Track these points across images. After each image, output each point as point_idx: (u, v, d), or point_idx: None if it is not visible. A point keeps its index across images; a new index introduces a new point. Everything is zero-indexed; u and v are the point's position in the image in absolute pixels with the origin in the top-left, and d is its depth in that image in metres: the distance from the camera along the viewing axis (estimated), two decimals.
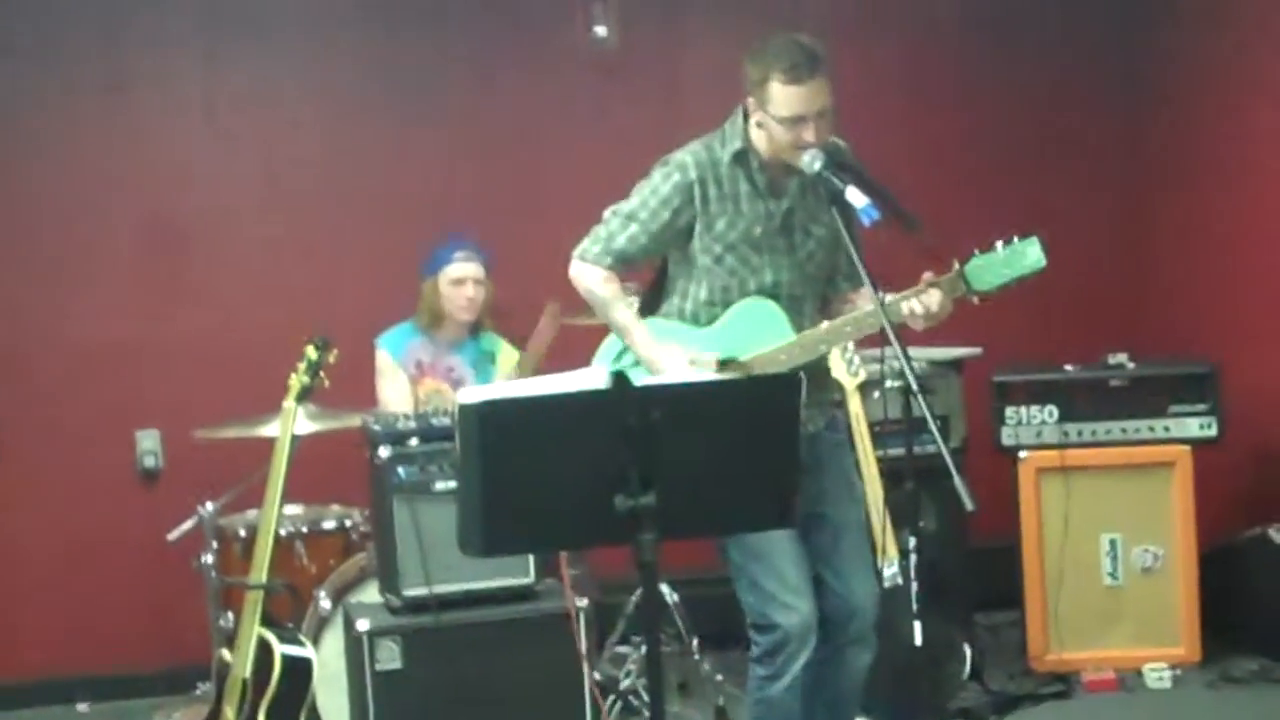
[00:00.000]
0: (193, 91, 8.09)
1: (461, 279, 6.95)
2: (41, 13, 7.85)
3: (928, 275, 5.02)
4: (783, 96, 5.07)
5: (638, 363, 5.29)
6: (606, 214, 5.35)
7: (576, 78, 8.34)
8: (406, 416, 5.98)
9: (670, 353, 5.20)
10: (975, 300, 5.04)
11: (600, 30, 8.27)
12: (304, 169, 8.13)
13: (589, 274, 5.34)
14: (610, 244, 5.31)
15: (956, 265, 5.03)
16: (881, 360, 5.29)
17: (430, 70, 8.22)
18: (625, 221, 5.30)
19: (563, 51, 8.32)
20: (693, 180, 5.23)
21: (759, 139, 5.20)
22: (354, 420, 6.33)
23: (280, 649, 5.86)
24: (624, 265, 5.34)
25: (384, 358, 7.02)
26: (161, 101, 8.05)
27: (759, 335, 5.22)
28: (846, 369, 6.45)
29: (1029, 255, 4.99)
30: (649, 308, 5.45)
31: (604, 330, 5.48)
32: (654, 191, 5.27)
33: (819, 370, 5.36)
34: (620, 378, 4.03)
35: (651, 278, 5.50)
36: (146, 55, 8.01)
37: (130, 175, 8.00)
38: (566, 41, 8.31)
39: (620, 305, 5.34)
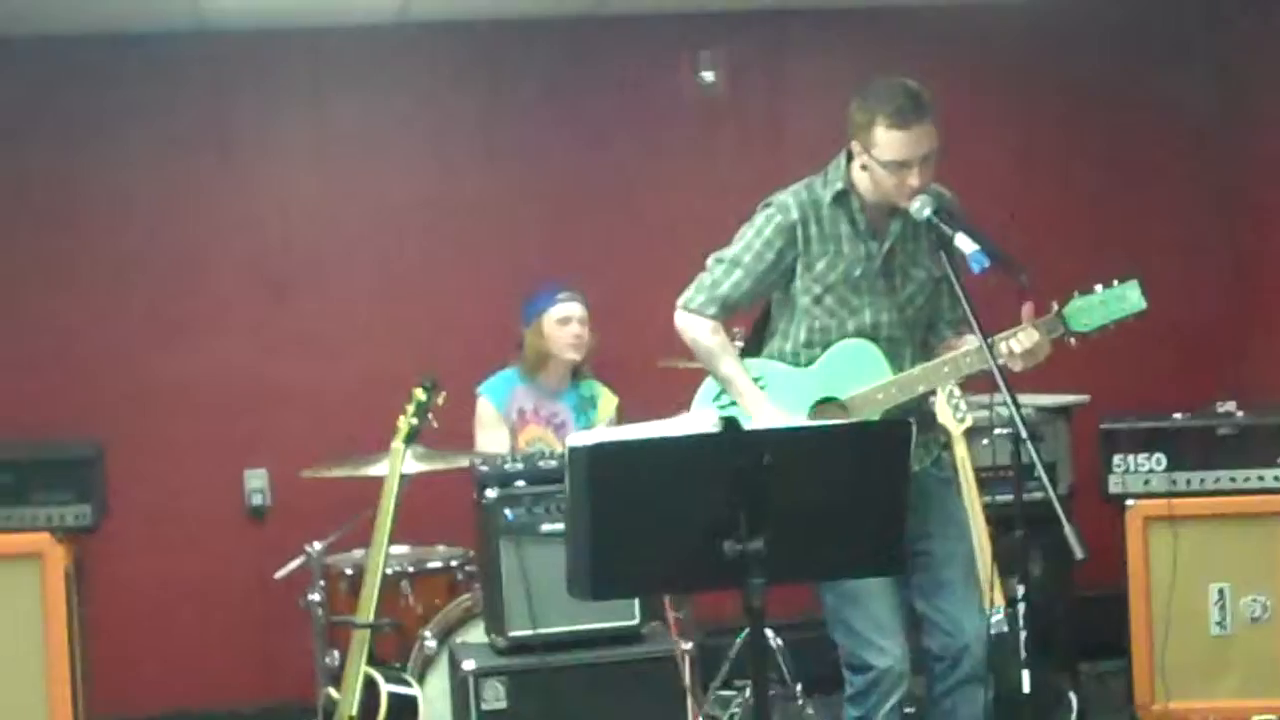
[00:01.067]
0: (300, 140, 8.19)
1: (567, 318, 6.97)
2: (149, 67, 7.96)
3: (1027, 313, 5.02)
4: (888, 141, 5.09)
5: (733, 402, 5.32)
6: (710, 261, 5.39)
7: (683, 124, 8.37)
8: (514, 458, 6.00)
9: (773, 415, 5.22)
10: (1072, 342, 5.06)
11: (707, 76, 8.30)
12: (411, 215, 8.20)
13: (695, 325, 5.38)
14: (714, 291, 5.35)
15: (1055, 307, 5.04)
16: (990, 406, 5.26)
17: (536, 117, 8.27)
18: (730, 267, 5.33)
19: (669, 98, 8.35)
20: (795, 221, 5.26)
21: (862, 181, 5.21)
22: (461, 461, 6.36)
23: (386, 688, 5.89)
24: (729, 312, 5.38)
25: (486, 406, 7.03)
26: (269, 151, 8.15)
27: (857, 375, 5.25)
28: (953, 414, 6.40)
29: (1129, 298, 4.99)
30: (753, 348, 5.47)
31: (702, 374, 5.50)
32: (757, 234, 5.31)
33: (924, 410, 5.37)
34: (731, 422, 4.04)
35: (755, 318, 5.51)
36: (254, 105, 8.13)
37: (239, 221, 8.11)
38: (673, 88, 8.34)
39: (726, 358, 5.37)
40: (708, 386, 5.48)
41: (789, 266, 5.29)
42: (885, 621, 5.26)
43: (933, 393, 5.54)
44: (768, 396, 5.29)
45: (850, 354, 5.26)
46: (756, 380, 5.33)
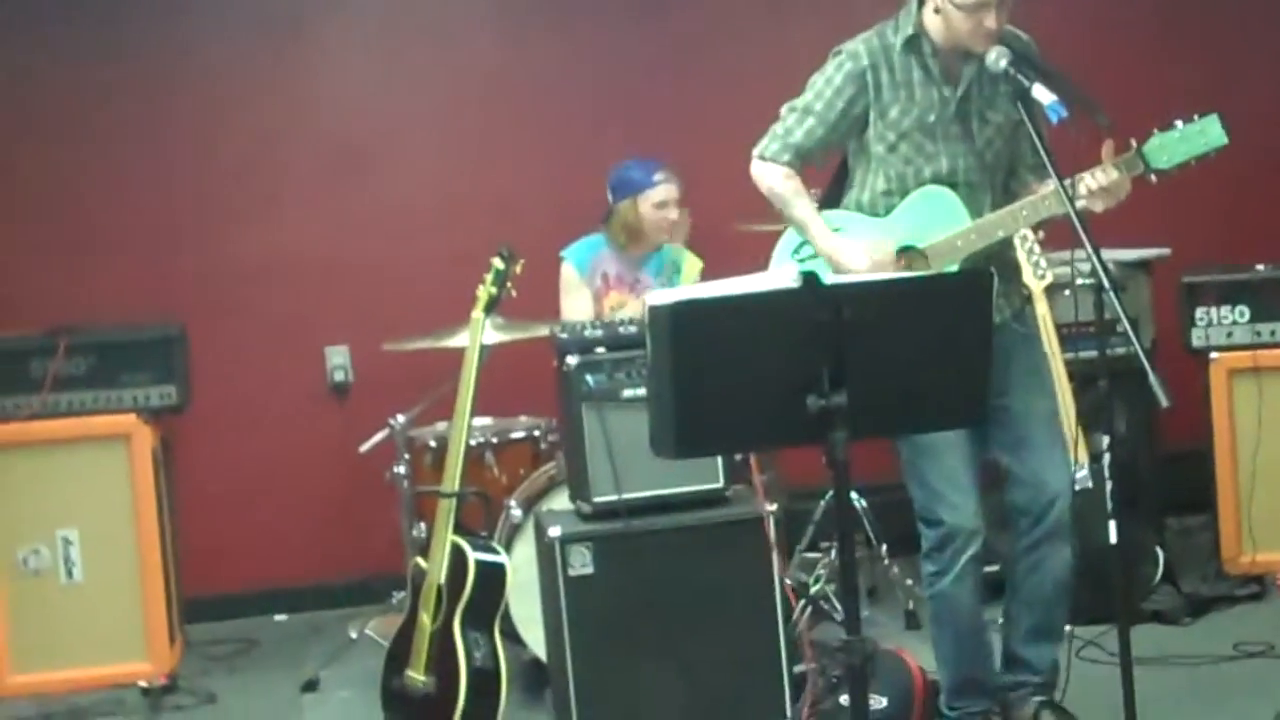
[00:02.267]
0: (371, 16, 8.18)
1: (665, 201, 6.94)
2: None
3: (1107, 151, 4.98)
4: None
5: (815, 255, 5.30)
6: (783, 110, 5.37)
7: None
8: (593, 325, 6.00)
9: (849, 246, 5.22)
10: (1152, 179, 5.01)
11: None
12: (484, 86, 8.19)
13: (769, 172, 5.36)
14: (788, 139, 5.33)
15: (1134, 144, 5.00)
16: (1070, 262, 5.22)
17: None
18: (802, 115, 5.31)
19: None
20: (865, 67, 5.22)
21: (934, 25, 5.17)
22: (541, 330, 6.38)
23: (474, 556, 5.92)
24: (803, 160, 5.35)
25: (569, 271, 7.03)
26: (339, 28, 8.16)
27: (936, 222, 5.22)
28: (1033, 271, 6.38)
29: (1209, 132, 4.96)
30: (830, 203, 5.44)
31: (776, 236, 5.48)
32: (828, 82, 5.28)
33: (1005, 260, 5.34)
34: (811, 277, 4.02)
35: (832, 173, 5.48)
36: None
37: (313, 100, 8.14)
38: None
39: (800, 201, 5.34)
40: (787, 239, 5.47)
41: (861, 114, 5.26)
42: (959, 476, 5.28)
43: (1012, 247, 5.49)
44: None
45: (929, 201, 5.23)
46: (835, 231, 5.31)
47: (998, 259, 5.24)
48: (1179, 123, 4.98)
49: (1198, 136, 4.95)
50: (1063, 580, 5.42)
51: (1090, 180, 4.97)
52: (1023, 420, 5.32)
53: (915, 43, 5.21)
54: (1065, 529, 5.37)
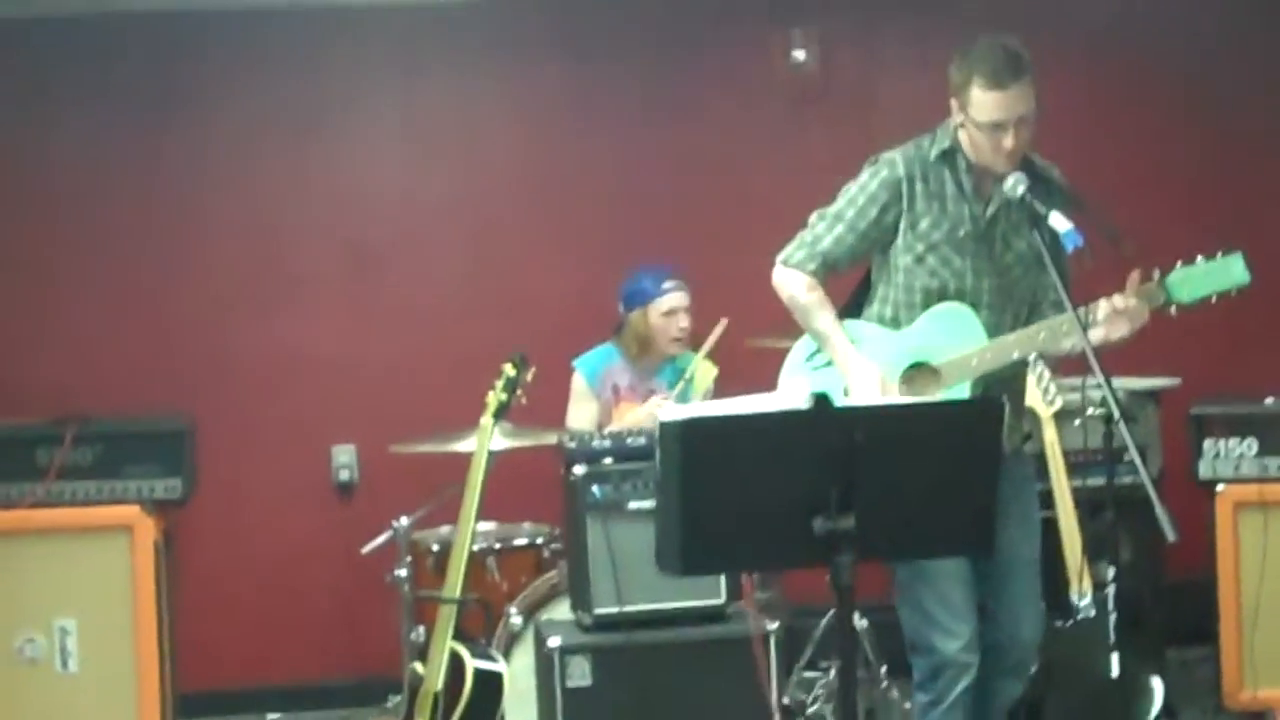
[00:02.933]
0: (390, 115, 8.23)
1: (674, 309, 6.94)
2: (243, 41, 8.03)
3: (1133, 281, 4.98)
4: (983, 101, 5.05)
5: (828, 363, 5.30)
6: (812, 218, 5.36)
7: (775, 103, 8.36)
8: (602, 435, 6.01)
9: (864, 370, 5.20)
10: (1173, 311, 5.00)
11: (799, 55, 8.28)
12: (502, 191, 8.23)
13: (792, 280, 5.34)
14: (815, 247, 5.32)
15: (1157, 274, 5.00)
16: (1081, 389, 5.23)
17: (628, 95, 8.28)
18: (833, 222, 5.30)
19: (761, 77, 8.34)
20: (900, 176, 5.22)
21: (965, 142, 5.19)
22: (549, 438, 6.37)
23: (472, 663, 5.90)
24: (829, 270, 5.33)
25: (579, 381, 7.04)
26: (360, 124, 8.20)
27: (953, 339, 5.20)
28: (1042, 396, 6.37)
29: (1232, 270, 4.96)
30: (850, 313, 5.42)
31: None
32: (862, 189, 5.27)
33: (1013, 389, 5.33)
34: (822, 399, 4.02)
35: (855, 287, 5.48)
36: (345, 81, 8.18)
37: (329, 195, 8.17)
38: (765, 67, 8.33)
39: (823, 314, 5.31)
40: (799, 349, 5.45)
41: (892, 224, 5.24)
42: (957, 603, 5.22)
43: (1022, 376, 5.47)
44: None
45: (947, 317, 5.21)
46: (853, 343, 5.29)
47: (1009, 391, 5.24)
48: (1201, 258, 4.98)
49: (1220, 273, 4.95)
50: (1004, 709, 5.42)
51: (1107, 304, 4.96)
52: (1006, 564, 5.24)
53: (951, 156, 5.22)
54: (1023, 671, 5.38)
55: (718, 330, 6.81)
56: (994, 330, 5.20)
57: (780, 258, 5.37)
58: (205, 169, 8.07)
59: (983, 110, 5.05)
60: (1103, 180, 5.43)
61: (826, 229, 5.31)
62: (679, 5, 8.24)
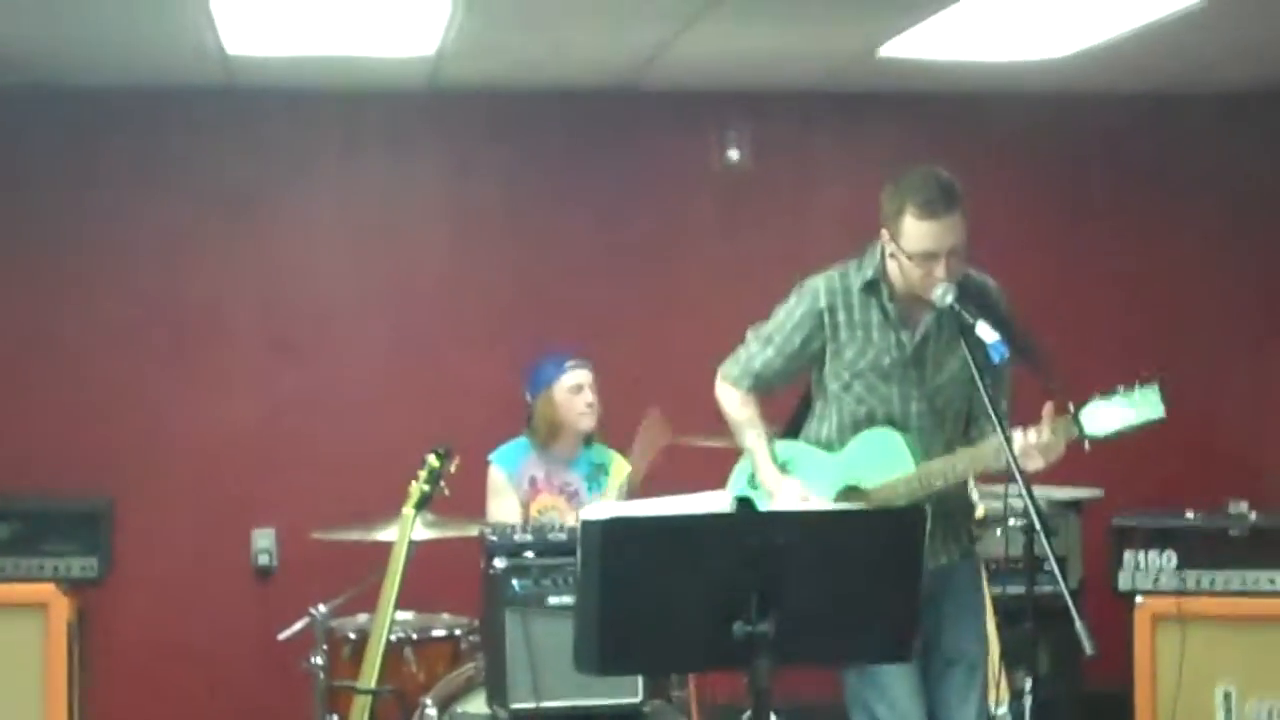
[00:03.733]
0: (324, 200, 8.23)
1: (579, 385, 6.94)
2: (178, 123, 8.02)
3: (1047, 413, 5.00)
4: (915, 231, 5.07)
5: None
6: (749, 335, 5.43)
7: (707, 201, 8.40)
8: (523, 529, 5.98)
9: (788, 488, 5.24)
10: (1086, 446, 5.01)
11: (733, 155, 8.33)
12: (429, 281, 8.24)
13: (728, 396, 5.44)
14: (749, 365, 5.40)
15: (1071, 408, 5.00)
16: (1004, 497, 5.24)
17: (561, 188, 8.31)
18: (763, 345, 5.38)
19: (695, 175, 8.38)
20: (822, 308, 5.26)
21: (893, 270, 5.20)
22: (471, 529, 6.35)
23: None
24: (764, 387, 5.41)
25: (497, 474, 7.01)
26: (292, 211, 8.20)
27: (880, 464, 5.23)
28: None
29: (1148, 404, 4.94)
30: (794, 428, 5.47)
31: (715, 453, 5.49)
32: (788, 314, 5.34)
33: (954, 505, 5.34)
34: (745, 503, 4.03)
35: (800, 399, 5.51)
36: (281, 165, 8.18)
37: (257, 280, 8.16)
38: (698, 165, 8.37)
39: (751, 432, 5.39)
40: (744, 463, 5.50)
41: (818, 351, 5.30)
42: (903, 708, 5.22)
43: (963, 484, 5.45)
44: (795, 477, 5.30)
45: (875, 442, 5.25)
46: (785, 463, 5.34)
47: (952, 501, 5.28)
48: (1120, 387, 4.98)
49: (1134, 407, 4.95)
50: None
51: (1022, 439, 4.97)
52: (947, 662, 5.30)
53: (875, 286, 5.25)
54: None
55: (646, 425, 6.79)
56: (927, 450, 5.22)
57: (719, 371, 5.46)
58: (133, 246, 8.04)
59: (914, 240, 5.08)
60: (1028, 294, 5.45)
61: (759, 349, 5.39)
62: (617, 100, 8.27)
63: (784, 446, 5.38)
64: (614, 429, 7.07)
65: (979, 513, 6.39)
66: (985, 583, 6.09)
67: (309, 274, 8.19)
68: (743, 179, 8.38)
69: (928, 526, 4.24)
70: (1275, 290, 8.59)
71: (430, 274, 8.22)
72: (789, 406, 5.57)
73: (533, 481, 7.01)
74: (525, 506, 6.95)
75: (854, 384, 5.27)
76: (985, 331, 4.97)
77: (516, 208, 8.29)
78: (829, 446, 5.33)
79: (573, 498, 6.95)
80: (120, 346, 8.00)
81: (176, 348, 8.04)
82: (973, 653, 5.38)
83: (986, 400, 4.98)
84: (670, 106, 8.33)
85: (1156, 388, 4.92)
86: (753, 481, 5.41)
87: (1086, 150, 8.57)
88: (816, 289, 5.29)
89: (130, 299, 8.02)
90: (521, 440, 7.06)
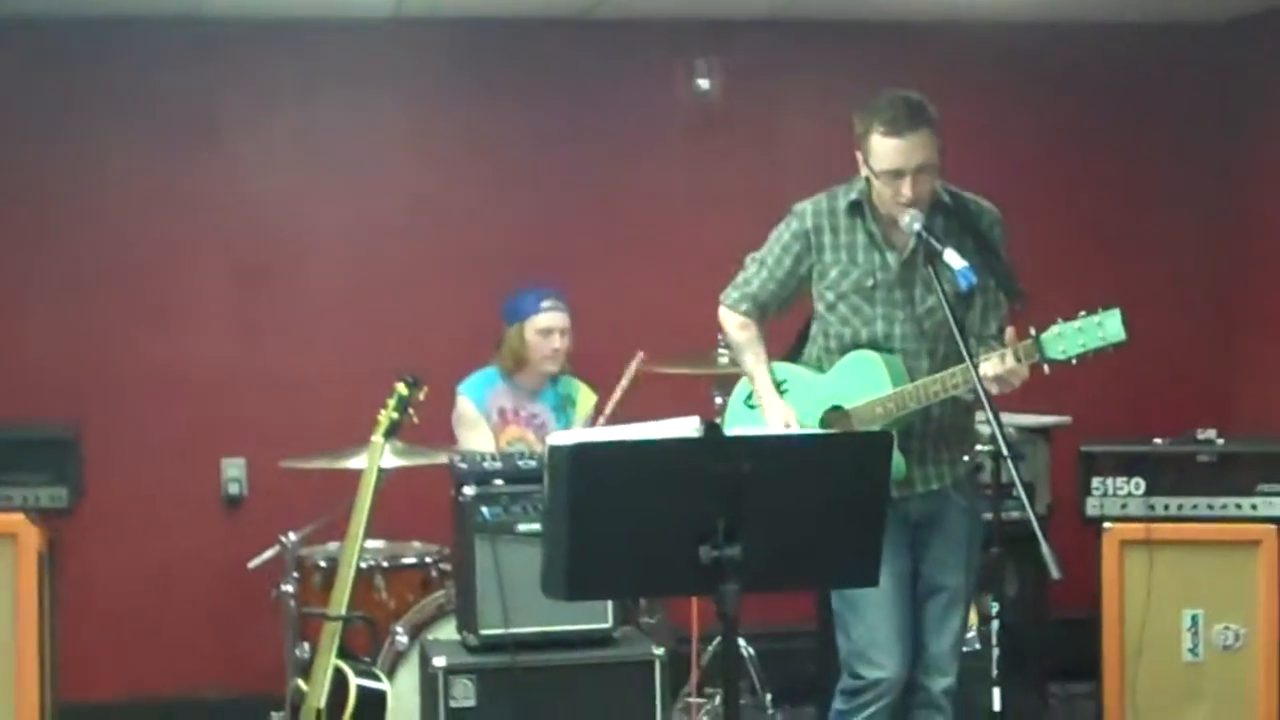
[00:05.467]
0: (287, 131, 8.17)
1: (549, 329, 6.94)
2: (137, 57, 7.95)
3: (1009, 338, 5.03)
4: (881, 149, 5.14)
5: None
6: (746, 260, 5.54)
7: (677, 130, 8.37)
8: (493, 457, 6.00)
9: (779, 409, 5.37)
10: (1046, 369, 5.04)
11: (702, 83, 8.30)
12: (396, 210, 8.19)
13: (728, 319, 5.57)
14: (746, 289, 5.51)
15: (1033, 332, 5.04)
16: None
17: (526, 117, 8.26)
18: (759, 267, 5.48)
19: (663, 104, 8.35)
20: (808, 228, 5.35)
21: (874, 192, 5.25)
22: (440, 458, 6.36)
23: (356, 681, 5.88)
24: (762, 310, 5.51)
25: (466, 405, 7.02)
26: (256, 141, 8.13)
27: (861, 386, 5.29)
28: None
29: (1108, 328, 4.99)
30: (794, 351, 5.58)
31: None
32: (778, 238, 5.44)
33: (956, 427, 5.38)
34: (712, 427, 4.04)
35: (802, 325, 5.59)
36: (241, 96, 8.11)
37: (224, 210, 8.08)
38: (667, 94, 8.33)
39: (749, 354, 5.52)
40: (742, 386, 5.63)
41: (807, 273, 5.41)
42: (881, 634, 5.29)
43: (970, 408, 5.47)
44: (787, 398, 5.40)
45: (857, 365, 5.32)
46: (781, 383, 5.45)
47: (950, 425, 5.33)
48: (1082, 312, 5.01)
49: (1096, 330, 4.98)
50: None
51: (985, 366, 5.01)
52: (927, 589, 5.36)
53: (859, 207, 5.31)
54: (943, 702, 5.40)
55: (634, 366, 6.80)
56: (912, 371, 5.27)
57: (721, 297, 5.58)
58: (97, 176, 7.97)
59: (881, 158, 5.14)
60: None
61: (755, 273, 5.49)
62: (582, 30, 8.23)
63: (780, 369, 5.49)
64: (581, 359, 7.09)
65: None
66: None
67: (275, 203, 8.13)
68: (712, 108, 8.34)
69: (893, 450, 4.26)
70: (1243, 215, 8.59)
71: (396, 203, 8.18)
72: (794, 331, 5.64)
73: (501, 413, 7.02)
74: (495, 437, 6.96)
75: (839, 305, 5.34)
76: (953, 258, 5.00)
77: (481, 137, 8.25)
78: (820, 367, 5.42)
79: (540, 429, 6.96)
80: (87, 276, 7.95)
81: (144, 277, 7.99)
82: (952, 586, 5.41)
83: (954, 325, 5.01)
84: (638, 35, 8.28)
85: (1118, 313, 4.96)
86: (749, 401, 5.54)
87: (1052, 77, 8.55)
88: (804, 211, 5.39)
89: (95, 229, 7.96)
90: (489, 370, 7.06)
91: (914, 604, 5.36)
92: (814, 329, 5.48)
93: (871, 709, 5.30)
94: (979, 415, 5.03)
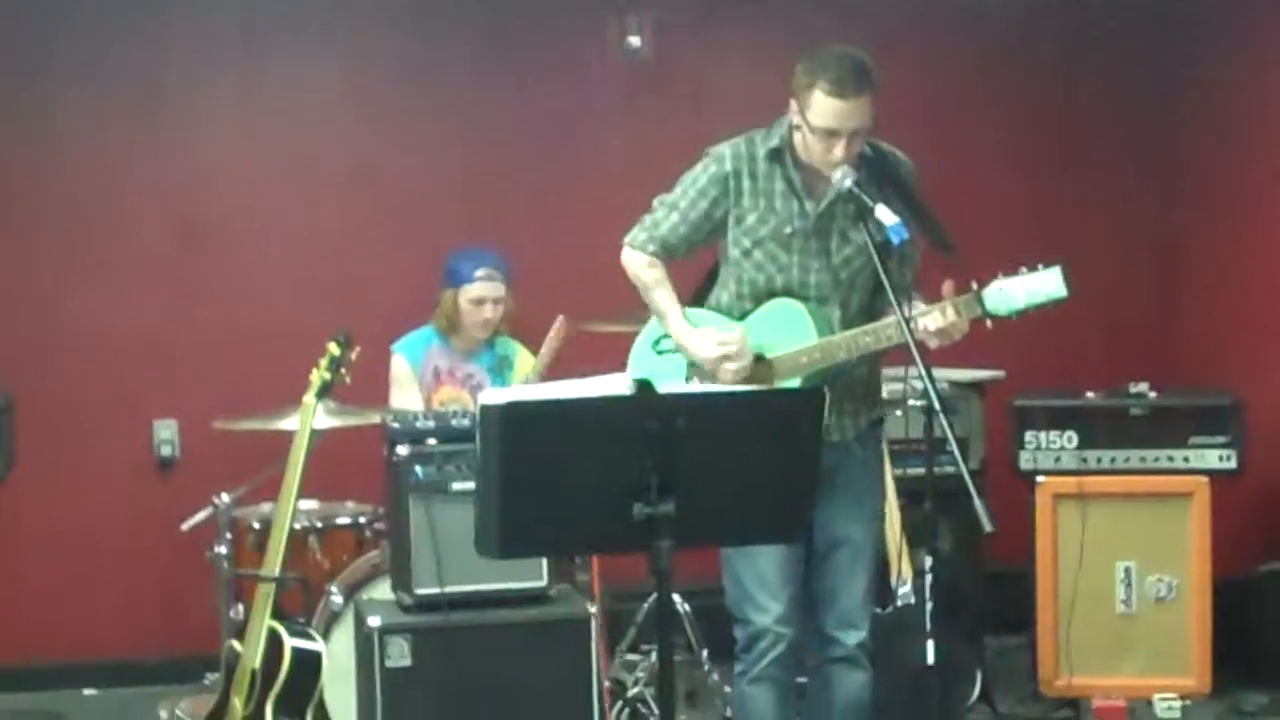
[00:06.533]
0: (225, 90, 8.13)
1: (481, 299, 6.91)
2: (76, 13, 7.88)
3: (947, 290, 5.04)
4: (821, 107, 5.09)
5: (675, 349, 5.37)
6: (654, 203, 5.45)
7: (608, 87, 8.36)
8: (425, 415, 5.98)
9: (702, 335, 5.28)
10: (988, 324, 5.05)
11: (634, 41, 8.29)
12: (332, 168, 8.16)
13: (634, 259, 5.45)
14: (655, 231, 5.41)
15: (974, 286, 5.05)
16: (904, 379, 5.27)
17: (462, 76, 8.24)
18: (669, 210, 5.39)
19: (595, 60, 8.34)
20: (727, 172, 5.29)
21: (798, 140, 5.22)
22: (373, 417, 6.34)
23: (290, 642, 5.86)
24: (669, 252, 5.42)
25: (400, 365, 6.99)
26: (193, 100, 8.09)
27: (784, 335, 5.26)
28: None
29: (1049, 284, 5.00)
30: (698, 299, 5.49)
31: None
32: (693, 181, 5.36)
33: (859, 380, 5.36)
34: (644, 384, 4.03)
35: (706, 272, 5.53)
36: (181, 54, 8.07)
37: (159, 171, 8.06)
38: (599, 51, 8.32)
39: (660, 291, 5.41)
40: (648, 331, 5.54)
41: (722, 217, 5.32)
42: (770, 578, 5.27)
43: (877, 360, 5.47)
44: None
45: (779, 313, 5.27)
46: (695, 328, 5.34)
47: (857, 378, 5.31)
48: (1023, 269, 5.02)
49: (1038, 286, 5.00)
50: (854, 703, 5.41)
51: (926, 320, 5.01)
52: (827, 545, 5.31)
53: (779, 154, 5.26)
54: (859, 655, 5.37)
55: (555, 330, 6.76)
56: (822, 323, 5.23)
57: (625, 239, 5.47)
58: (30, 136, 7.92)
59: (820, 116, 5.10)
60: (929, 176, 5.46)
61: (665, 215, 5.40)
62: None
63: (691, 313, 5.40)
64: (519, 319, 7.06)
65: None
66: (888, 463, 6.13)
67: (209, 164, 8.09)
68: (644, 65, 8.34)
69: (826, 406, 4.27)
70: (1182, 168, 8.62)
71: (332, 163, 8.15)
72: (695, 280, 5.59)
73: (436, 372, 7.00)
74: (428, 398, 6.94)
75: (754, 251, 5.29)
76: (885, 214, 5.00)
77: (418, 96, 8.22)
78: (730, 314, 5.36)
79: (475, 390, 6.94)
80: (16, 239, 7.90)
81: (74, 240, 7.94)
82: (856, 537, 5.37)
83: (886, 282, 5.01)
84: None
85: (1059, 268, 4.98)
86: (657, 346, 5.46)
87: (990, 29, 8.55)
88: (722, 155, 5.32)
89: (27, 191, 7.91)
90: (426, 330, 7.04)
91: (816, 556, 5.32)
92: (723, 275, 5.41)
93: (765, 659, 5.28)
94: (911, 371, 5.01)
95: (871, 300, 5.34)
